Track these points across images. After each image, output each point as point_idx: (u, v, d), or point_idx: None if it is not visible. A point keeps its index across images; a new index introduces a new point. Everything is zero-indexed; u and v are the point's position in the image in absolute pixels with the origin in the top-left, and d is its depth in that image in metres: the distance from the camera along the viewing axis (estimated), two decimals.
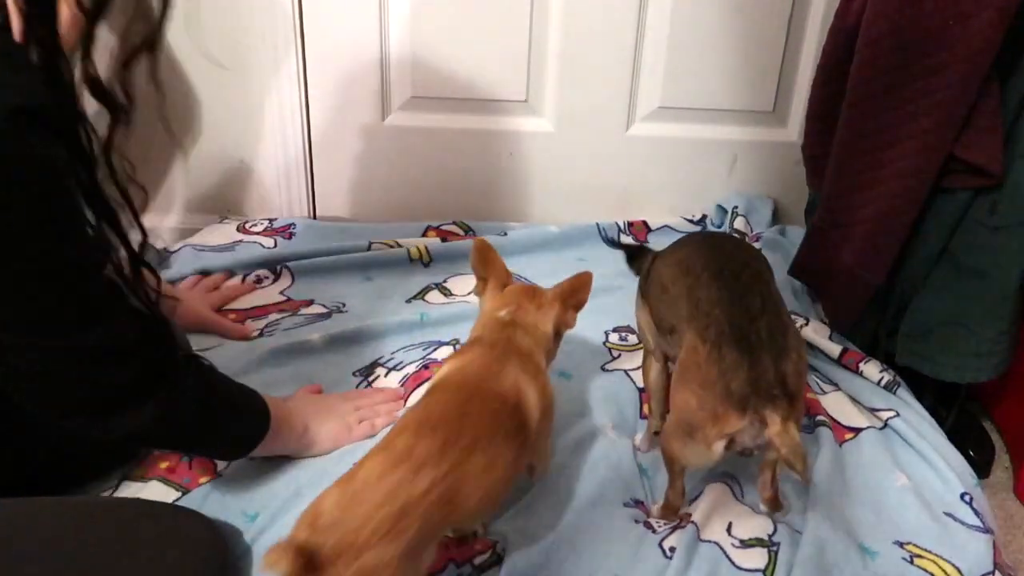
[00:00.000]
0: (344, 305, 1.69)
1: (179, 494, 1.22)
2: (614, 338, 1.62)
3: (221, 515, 1.18)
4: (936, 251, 1.47)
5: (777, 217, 2.08)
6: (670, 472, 1.21)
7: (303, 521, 0.91)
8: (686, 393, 1.11)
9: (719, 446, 1.07)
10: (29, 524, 1.02)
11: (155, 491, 1.23)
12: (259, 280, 1.75)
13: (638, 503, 1.28)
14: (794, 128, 2.00)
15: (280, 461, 1.27)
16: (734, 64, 1.94)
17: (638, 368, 1.52)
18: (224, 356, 1.52)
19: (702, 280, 1.16)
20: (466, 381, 1.10)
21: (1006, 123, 1.36)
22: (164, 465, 1.27)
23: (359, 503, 0.91)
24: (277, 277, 1.77)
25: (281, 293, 1.73)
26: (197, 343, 1.51)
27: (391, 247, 1.87)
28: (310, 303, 1.70)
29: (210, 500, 1.21)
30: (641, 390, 1.48)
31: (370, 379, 1.49)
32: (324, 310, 1.68)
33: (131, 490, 1.23)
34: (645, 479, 1.33)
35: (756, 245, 1.89)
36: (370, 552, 0.88)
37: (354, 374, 1.50)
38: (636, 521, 1.23)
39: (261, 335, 1.60)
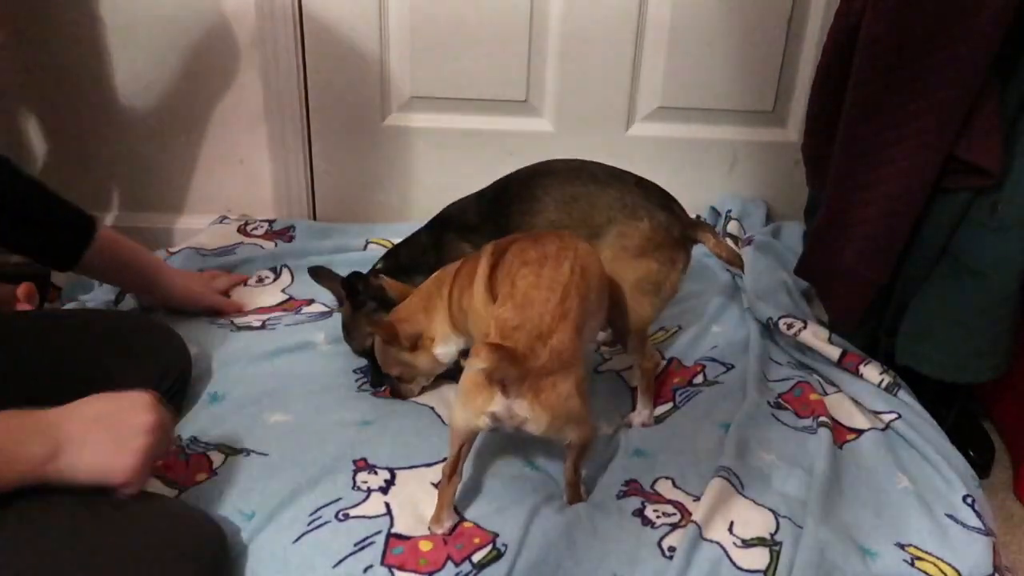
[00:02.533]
0: (344, 304, 1.69)
1: (175, 491, 1.22)
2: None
3: (215, 511, 1.18)
4: (936, 251, 1.46)
5: (772, 219, 2.07)
6: (643, 336, 1.40)
7: (492, 331, 1.10)
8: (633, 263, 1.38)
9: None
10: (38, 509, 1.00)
11: (151, 487, 1.21)
12: (260, 280, 1.76)
13: (630, 482, 1.29)
14: (794, 128, 2.00)
15: (279, 461, 1.27)
16: (734, 64, 1.94)
17: (629, 368, 1.55)
18: (227, 351, 1.53)
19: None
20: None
21: (1006, 123, 1.36)
22: (160, 463, 1.26)
23: (530, 304, 1.13)
24: (278, 276, 1.78)
25: (283, 291, 1.75)
26: (195, 339, 1.52)
27: (387, 247, 1.86)
28: (311, 302, 1.72)
29: (206, 497, 1.21)
30: (633, 389, 1.48)
31: (376, 392, 1.48)
32: (325, 308, 1.69)
33: None
34: (643, 459, 1.34)
35: (748, 247, 1.90)
36: (555, 335, 1.10)
37: (354, 371, 1.50)
38: (633, 514, 1.23)
39: (263, 327, 1.62)
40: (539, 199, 1.44)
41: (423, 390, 1.45)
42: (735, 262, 1.48)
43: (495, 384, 1.08)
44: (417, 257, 1.53)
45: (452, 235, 1.51)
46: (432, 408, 1.41)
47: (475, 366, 1.05)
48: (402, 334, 1.35)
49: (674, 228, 1.40)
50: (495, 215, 1.47)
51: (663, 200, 1.44)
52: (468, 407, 1.11)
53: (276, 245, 1.89)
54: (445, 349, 1.37)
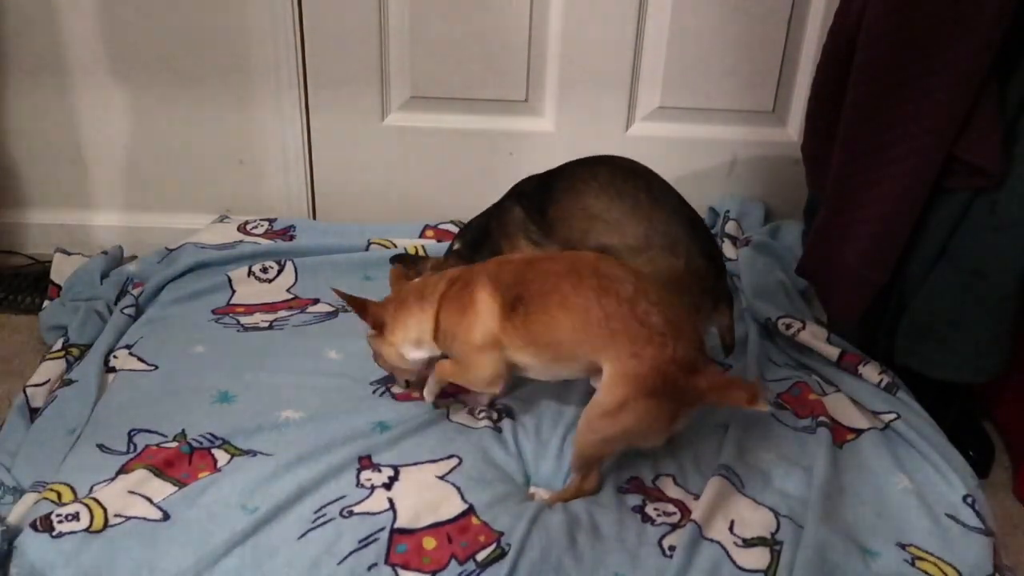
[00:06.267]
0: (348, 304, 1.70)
1: (176, 488, 1.22)
2: None
3: (218, 507, 1.19)
4: (936, 251, 1.47)
5: (771, 219, 2.07)
6: None
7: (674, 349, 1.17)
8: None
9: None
10: None
11: (151, 484, 1.23)
12: (264, 270, 1.78)
13: (632, 479, 1.30)
14: (794, 128, 2.00)
15: (285, 461, 1.27)
16: (734, 64, 1.94)
17: None
18: (236, 351, 1.53)
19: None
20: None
21: (1006, 123, 1.37)
22: (162, 457, 1.27)
23: (683, 322, 1.21)
24: (281, 269, 1.80)
25: (288, 291, 1.76)
26: (201, 337, 1.52)
27: (388, 247, 1.88)
28: (316, 301, 1.72)
29: (208, 493, 1.22)
30: None
31: (390, 387, 1.48)
32: (331, 308, 1.70)
33: (125, 483, 1.23)
34: (644, 458, 1.34)
35: (747, 247, 1.90)
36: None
37: (371, 383, 1.49)
38: (633, 510, 1.24)
39: (271, 327, 1.62)
40: (586, 181, 1.44)
41: (408, 383, 1.45)
42: (729, 350, 1.48)
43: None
44: (482, 226, 1.60)
45: (510, 200, 1.56)
46: None
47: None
48: (371, 313, 1.36)
49: (707, 281, 1.38)
50: (546, 186, 1.51)
51: (709, 247, 1.43)
52: (657, 432, 1.22)
53: (276, 244, 1.89)
54: (415, 354, 1.35)
